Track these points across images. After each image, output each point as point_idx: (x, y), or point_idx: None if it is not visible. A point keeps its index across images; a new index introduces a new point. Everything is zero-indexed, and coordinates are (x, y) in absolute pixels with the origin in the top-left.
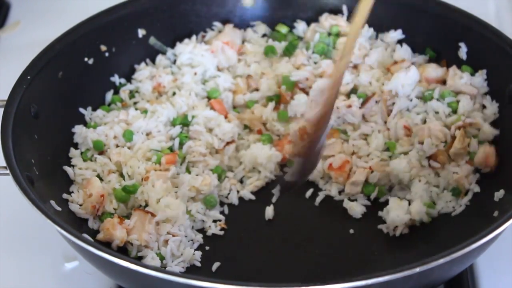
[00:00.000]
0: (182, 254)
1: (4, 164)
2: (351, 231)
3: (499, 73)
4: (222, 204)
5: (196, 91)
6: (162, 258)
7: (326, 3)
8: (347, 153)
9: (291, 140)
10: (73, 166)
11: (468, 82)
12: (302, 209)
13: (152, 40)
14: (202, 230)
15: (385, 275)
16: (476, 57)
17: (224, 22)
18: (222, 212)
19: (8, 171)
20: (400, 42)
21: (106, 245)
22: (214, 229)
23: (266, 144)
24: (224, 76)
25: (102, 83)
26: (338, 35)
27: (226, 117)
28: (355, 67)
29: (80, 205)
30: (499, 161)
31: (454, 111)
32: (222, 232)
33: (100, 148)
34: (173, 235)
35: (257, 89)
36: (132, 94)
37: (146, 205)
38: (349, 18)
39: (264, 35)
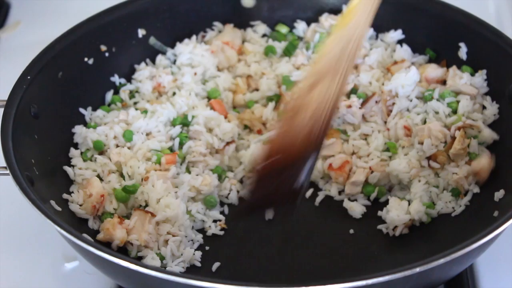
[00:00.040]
0: (182, 254)
1: (4, 164)
2: (351, 231)
3: (499, 73)
4: (222, 204)
5: (196, 91)
6: (162, 258)
7: (326, 3)
8: (347, 153)
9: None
10: (73, 166)
11: (468, 82)
12: (302, 209)
13: (152, 40)
14: (202, 230)
15: (385, 275)
16: (476, 57)
17: (224, 22)
18: (222, 212)
19: (8, 171)
20: (400, 42)
21: (106, 245)
22: (214, 229)
23: (266, 144)
24: (224, 76)
25: (102, 83)
26: None
27: (226, 117)
28: (355, 67)
29: (80, 205)
30: (499, 161)
31: (454, 111)
32: (222, 232)
33: (100, 148)
34: (173, 235)
35: (257, 89)
36: (132, 94)
37: (146, 205)
38: None
39: (264, 35)
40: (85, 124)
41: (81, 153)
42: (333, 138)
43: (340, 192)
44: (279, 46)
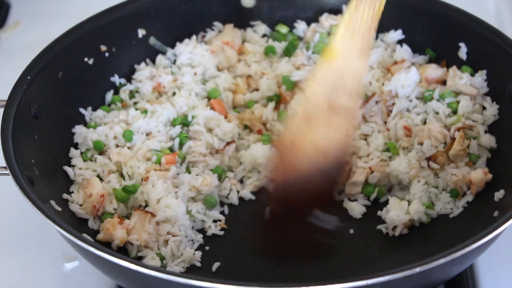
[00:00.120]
0: (182, 254)
1: (4, 164)
2: (351, 231)
3: (499, 73)
4: (222, 204)
5: (196, 91)
6: (162, 258)
7: (326, 3)
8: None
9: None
10: (73, 166)
11: (468, 83)
12: None
13: (152, 40)
14: (202, 230)
15: (385, 275)
16: (476, 57)
17: (224, 22)
18: (222, 212)
19: (8, 171)
20: (400, 42)
21: (106, 245)
22: (214, 229)
23: (266, 144)
24: (224, 76)
25: (102, 83)
26: None
27: (226, 117)
28: None
29: (80, 205)
30: (499, 162)
31: (454, 112)
32: (222, 232)
33: (100, 148)
34: (173, 235)
35: (257, 89)
36: (132, 94)
37: (146, 205)
38: None
39: (264, 35)
40: (85, 124)
41: (81, 153)
42: None
43: (340, 192)
44: (279, 46)
